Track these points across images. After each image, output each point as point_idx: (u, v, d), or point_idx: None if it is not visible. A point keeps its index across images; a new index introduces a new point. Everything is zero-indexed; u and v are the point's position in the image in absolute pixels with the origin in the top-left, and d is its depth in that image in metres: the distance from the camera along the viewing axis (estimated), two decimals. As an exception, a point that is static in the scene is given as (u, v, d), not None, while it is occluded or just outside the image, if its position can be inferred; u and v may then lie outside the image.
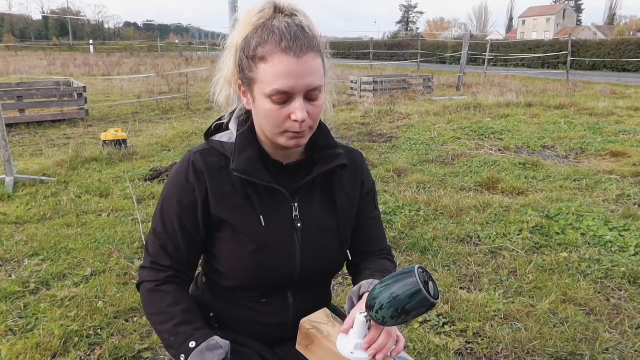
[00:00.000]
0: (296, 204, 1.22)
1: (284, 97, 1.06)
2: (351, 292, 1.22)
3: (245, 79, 1.11)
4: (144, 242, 3.36)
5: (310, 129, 1.12)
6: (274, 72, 1.04)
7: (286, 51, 1.03)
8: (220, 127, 1.27)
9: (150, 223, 3.91)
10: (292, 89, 1.04)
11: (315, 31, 1.09)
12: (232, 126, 1.22)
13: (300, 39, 1.04)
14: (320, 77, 1.08)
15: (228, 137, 1.22)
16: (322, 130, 1.24)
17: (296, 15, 1.08)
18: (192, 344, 1.11)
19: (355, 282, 1.31)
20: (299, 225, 1.22)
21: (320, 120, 1.24)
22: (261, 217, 1.18)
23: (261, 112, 1.10)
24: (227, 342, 1.15)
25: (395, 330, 1.10)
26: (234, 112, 1.24)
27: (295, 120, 1.06)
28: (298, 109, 1.05)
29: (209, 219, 1.19)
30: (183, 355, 1.11)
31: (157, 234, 1.21)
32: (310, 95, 1.07)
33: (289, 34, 1.04)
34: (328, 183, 1.26)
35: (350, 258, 1.35)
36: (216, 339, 1.13)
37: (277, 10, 1.08)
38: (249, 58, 1.08)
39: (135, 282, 1.27)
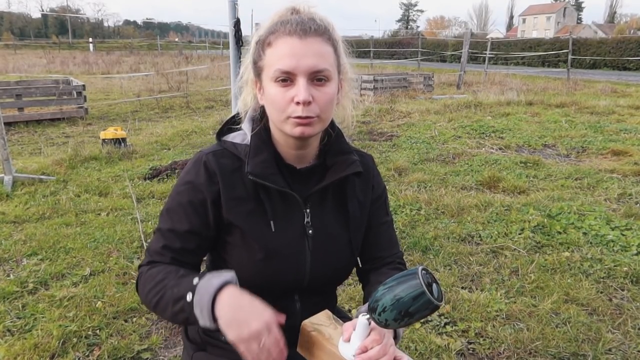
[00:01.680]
0: (308, 210, 1.19)
1: (287, 79, 1.05)
2: (358, 310, 1.18)
3: (257, 71, 1.12)
4: (144, 242, 3.34)
5: (319, 119, 1.08)
6: (277, 53, 1.05)
7: (290, 34, 1.04)
8: (231, 128, 1.24)
9: (149, 222, 3.85)
10: (294, 69, 1.04)
11: (327, 23, 1.09)
12: (246, 127, 1.20)
13: (306, 24, 1.05)
14: (326, 62, 1.06)
15: (241, 137, 1.19)
16: (336, 134, 1.23)
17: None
18: (196, 280, 1.02)
19: (365, 294, 1.29)
20: (310, 232, 1.19)
21: (335, 124, 1.23)
22: (272, 223, 1.15)
23: (268, 99, 1.09)
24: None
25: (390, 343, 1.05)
26: (247, 112, 1.23)
27: (298, 103, 1.04)
28: (300, 90, 1.03)
29: (219, 221, 1.15)
30: (190, 293, 1.00)
31: (162, 233, 1.16)
32: (315, 79, 1.06)
33: (297, 21, 1.05)
34: (340, 189, 1.24)
35: (360, 265, 1.33)
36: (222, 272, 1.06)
37: (295, 12, 1.10)
38: (259, 48, 1.10)
39: (134, 281, 1.23)
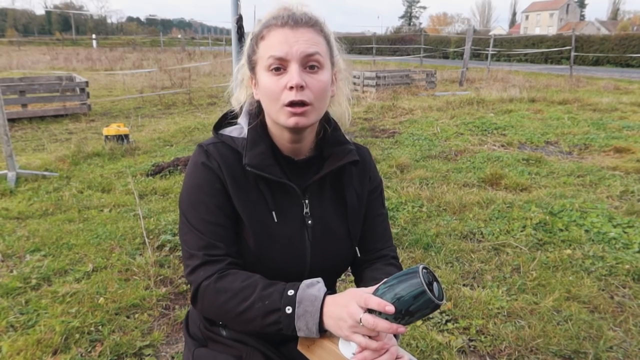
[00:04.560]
0: (307, 201, 1.21)
1: (280, 67, 1.07)
2: None
3: (251, 65, 1.14)
4: (146, 238, 3.35)
5: (312, 108, 1.09)
6: (270, 44, 1.08)
7: (282, 25, 1.08)
8: (228, 122, 1.26)
9: (151, 219, 3.82)
10: (286, 54, 1.06)
11: (318, 17, 1.12)
12: (242, 121, 1.22)
13: (297, 16, 1.09)
14: (318, 48, 1.09)
15: (238, 131, 1.21)
16: (332, 127, 1.24)
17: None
18: (291, 292, 1.05)
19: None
20: (309, 222, 1.21)
21: (330, 117, 1.24)
22: (273, 213, 1.17)
23: (263, 90, 1.11)
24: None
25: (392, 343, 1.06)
26: (242, 106, 1.24)
27: (291, 87, 1.06)
28: (293, 75, 1.06)
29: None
30: (289, 307, 1.03)
31: (195, 233, 1.14)
32: (308, 65, 1.08)
33: (289, 14, 1.09)
34: (338, 179, 1.25)
35: (359, 255, 1.33)
36: (306, 280, 1.08)
37: (288, 10, 1.12)
38: (253, 43, 1.13)
39: (189, 290, 1.23)
